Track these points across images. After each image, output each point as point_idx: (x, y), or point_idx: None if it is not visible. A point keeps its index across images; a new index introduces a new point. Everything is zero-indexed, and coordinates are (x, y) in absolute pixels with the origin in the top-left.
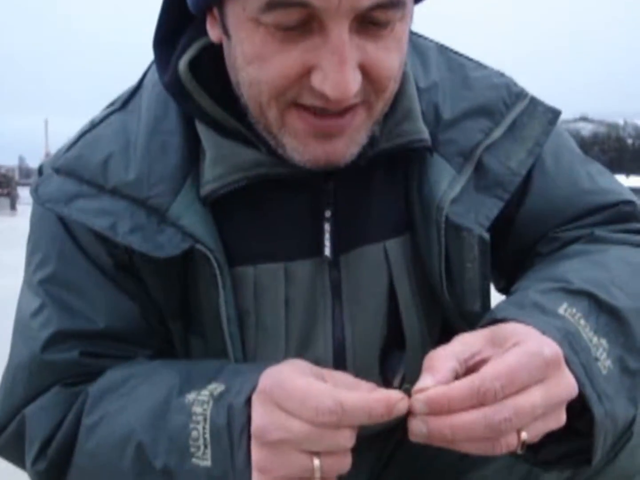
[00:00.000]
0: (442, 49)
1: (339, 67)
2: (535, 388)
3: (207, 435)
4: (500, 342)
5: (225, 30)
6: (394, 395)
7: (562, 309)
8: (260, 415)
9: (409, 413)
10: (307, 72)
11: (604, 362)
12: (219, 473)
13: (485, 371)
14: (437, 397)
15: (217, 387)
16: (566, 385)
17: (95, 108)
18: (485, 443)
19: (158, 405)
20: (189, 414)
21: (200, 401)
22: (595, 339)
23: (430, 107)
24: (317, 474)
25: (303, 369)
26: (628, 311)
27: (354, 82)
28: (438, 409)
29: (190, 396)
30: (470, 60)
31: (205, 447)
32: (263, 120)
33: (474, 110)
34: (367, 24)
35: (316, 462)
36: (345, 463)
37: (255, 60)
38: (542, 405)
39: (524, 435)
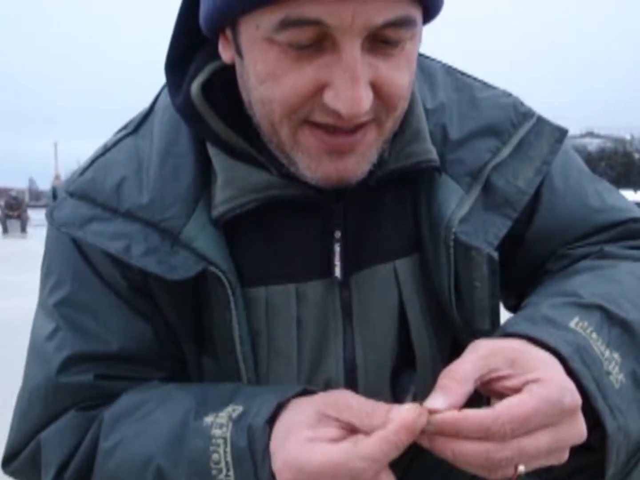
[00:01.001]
0: (449, 70)
1: (351, 84)
2: (543, 432)
3: (229, 458)
4: (521, 366)
5: (239, 50)
6: (409, 418)
7: (574, 322)
8: None
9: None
10: (319, 90)
11: (617, 376)
12: None
13: (500, 411)
14: (445, 424)
15: (235, 409)
16: (576, 432)
17: (104, 130)
18: (483, 470)
19: (175, 429)
20: (209, 437)
21: (219, 424)
22: (607, 353)
23: (438, 127)
24: None
25: (310, 431)
26: (639, 324)
27: (366, 99)
28: (445, 432)
29: (208, 419)
30: (477, 80)
31: (228, 469)
32: (275, 139)
33: (482, 130)
34: (379, 43)
35: None
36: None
37: (268, 79)
38: (547, 449)
39: (521, 468)
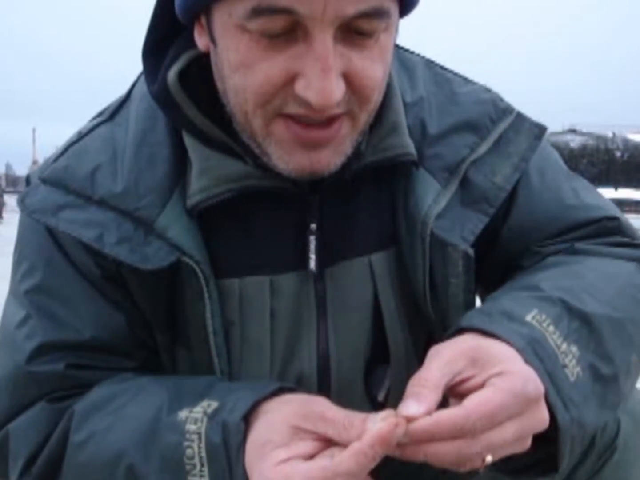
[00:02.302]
0: (429, 64)
1: (322, 75)
2: (510, 423)
3: (203, 454)
4: (482, 363)
5: (212, 38)
6: (385, 430)
7: (531, 315)
8: None
9: None
10: (291, 80)
11: (573, 369)
12: None
13: (470, 409)
14: (419, 431)
15: (210, 404)
16: (539, 419)
17: (84, 116)
18: (453, 465)
19: (148, 423)
20: (182, 432)
21: (194, 419)
22: (564, 346)
23: (417, 121)
24: None
25: (284, 452)
26: (599, 318)
27: (337, 89)
28: (419, 441)
29: (182, 414)
30: (457, 75)
31: (202, 465)
32: (248, 129)
33: (460, 125)
34: (352, 34)
35: None
36: None
37: (241, 68)
38: (513, 439)
39: (488, 459)
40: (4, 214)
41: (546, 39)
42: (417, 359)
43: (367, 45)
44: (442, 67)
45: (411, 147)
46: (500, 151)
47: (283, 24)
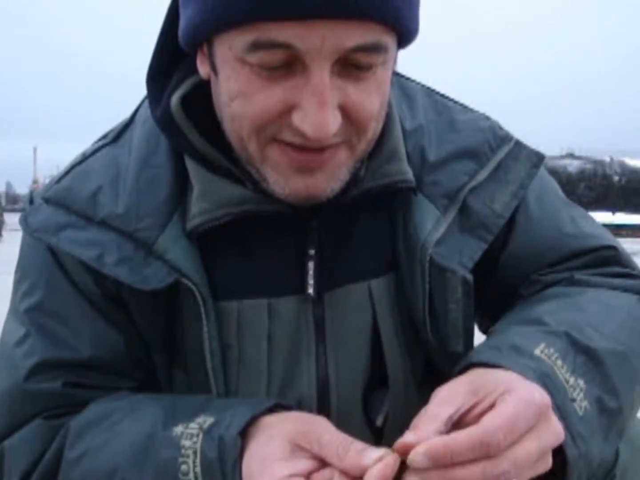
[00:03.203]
0: (429, 92)
1: (318, 108)
2: (528, 437)
3: (198, 469)
4: (482, 391)
5: (213, 67)
6: (386, 471)
7: (539, 350)
8: None
9: (402, 470)
10: (288, 111)
11: (581, 403)
12: None
13: (486, 422)
14: (437, 450)
15: (206, 420)
16: (555, 430)
17: (85, 135)
18: None
19: (142, 439)
20: (178, 448)
21: (189, 434)
22: (572, 380)
23: (416, 149)
24: None
25: (286, 467)
26: (604, 352)
27: (332, 123)
28: (441, 461)
29: (178, 429)
30: (456, 103)
31: None
32: (245, 154)
33: (460, 152)
34: (349, 67)
35: None
36: None
37: (239, 96)
38: (536, 455)
39: None
40: (4, 232)
41: (544, 65)
42: (416, 384)
43: (364, 77)
44: (441, 95)
45: (410, 174)
46: (499, 178)
47: (281, 58)
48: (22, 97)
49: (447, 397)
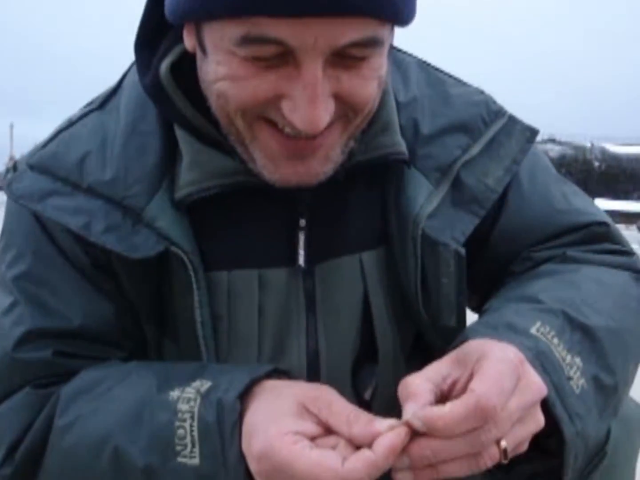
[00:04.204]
0: (423, 65)
1: (309, 103)
2: (510, 397)
3: (195, 433)
4: (464, 361)
5: (202, 47)
6: (397, 441)
7: (535, 328)
8: None
9: None
10: (278, 98)
11: (578, 381)
12: (208, 471)
13: (477, 389)
14: (435, 420)
15: (203, 384)
16: (535, 385)
17: (61, 112)
18: (469, 460)
19: (135, 404)
20: (174, 412)
21: (186, 398)
22: (568, 358)
23: (410, 121)
24: None
25: (293, 423)
26: (599, 329)
27: (324, 117)
28: (435, 428)
29: (174, 394)
30: (451, 76)
31: (193, 445)
32: (234, 131)
33: (453, 126)
34: (343, 57)
35: None
36: None
37: (228, 79)
38: (518, 409)
39: (503, 444)
40: None
41: (527, 50)
42: (404, 358)
43: (358, 65)
44: (435, 68)
45: (403, 146)
46: (492, 153)
47: (273, 52)
48: None
49: (435, 369)
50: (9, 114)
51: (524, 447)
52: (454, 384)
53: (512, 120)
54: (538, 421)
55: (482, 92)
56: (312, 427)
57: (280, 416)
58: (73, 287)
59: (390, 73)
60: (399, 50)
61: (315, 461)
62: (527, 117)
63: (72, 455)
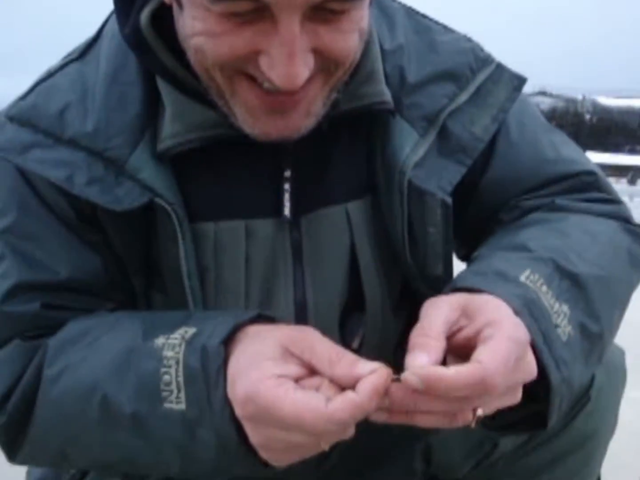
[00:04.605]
0: (410, 12)
1: (287, 59)
2: None
3: (181, 379)
4: (472, 314)
5: (178, 0)
6: (380, 383)
7: (524, 276)
8: (255, 435)
9: None
10: (256, 53)
11: (565, 329)
12: (194, 415)
13: (487, 363)
14: (435, 381)
15: (188, 331)
16: (528, 368)
17: (26, 71)
18: (443, 417)
19: (122, 352)
20: (160, 358)
21: (171, 345)
22: (556, 306)
23: (396, 69)
24: (325, 448)
25: (276, 366)
26: (587, 277)
27: (302, 73)
28: (433, 389)
29: (159, 340)
30: (438, 24)
31: (179, 390)
32: (213, 85)
33: (440, 74)
34: (322, 11)
35: (322, 443)
36: (350, 433)
37: (204, 35)
38: (503, 387)
39: (479, 412)
40: None
41: (520, 6)
42: (392, 308)
43: (337, 19)
44: (422, 15)
45: (387, 96)
46: (479, 102)
47: (247, 8)
48: None
49: (447, 312)
50: None
51: (517, 399)
52: (458, 330)
53: (500, 68)
54: (515, 398)
55: (469, 40)
56: (295, 369)
57: (264, 360)
58: (59, 239)
59: (376, 19)
60: None
61: (299, 402)
62: (517, 69)
63: (61, 404)
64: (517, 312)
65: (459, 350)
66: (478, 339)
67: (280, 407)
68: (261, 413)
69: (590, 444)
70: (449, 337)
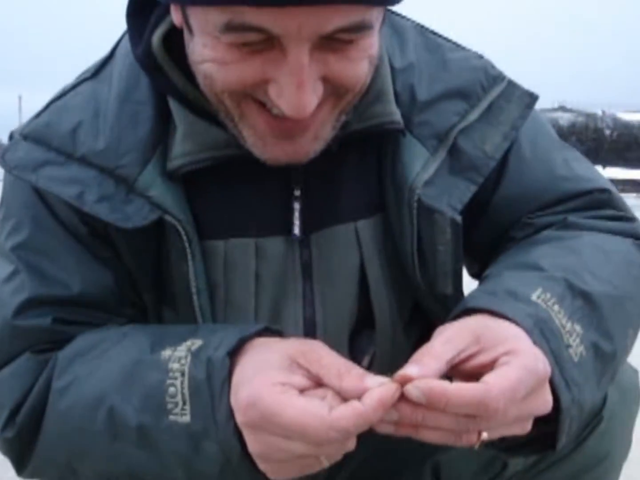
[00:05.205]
0: (420, 29)
1: (296, 89)
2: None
3: (186, 391)
4: (487, 341)
5: (188, 27)
6: (387, 396)
7: (536, 295)
8: (255, 444)
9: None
10: (264, 82)
11: (577, 349)
12: (199, 428)
13: (492, 384)
14: (436, 394)
15: (194, 343)
16: (543, 402)
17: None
18: (449, 434)
19: (129, 365)
20: (166, 370)
21: (177, 357)
22: (569, 325)
23: (406, 87)
24: (325, 464)
25: (282, 375)
26: (600, 296)
27: (311, 102)
28: (434, 404)
29: (166, 353)
30: (449, 41)
31: (184, 402)
32: (222, 108)
33: (451, 92)
34: (330, 41)
35: (322, 458)
36: (351, 447)
37: (214, 63)
38: (514, 416)
39: (484, 435)
40: None
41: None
42: (402, 326)
43: (346, 48)
44: (433, 33)
45: (397, 115)
46: (490, 119)
47: (256, 39)
48: (7, 46)
49: (451, 339)
50: (18, 86)
51: (526, 430)
52: (468, 358)
53: (511, 85)
54: (524, 429)
55: (481, 57)
56: (301, 380)
57: (269, 368)
58: (72, 255)
59: (387, 37)
60: (397, 14)
61: (302, 408)
62: (536, 86)
63: (69, 416)
64: (527, 332)
65: (471, 377)
66: (494, 366)
67: (282, 412)
68: (262, 419)
69: (603, 466)
70: (458, 364)
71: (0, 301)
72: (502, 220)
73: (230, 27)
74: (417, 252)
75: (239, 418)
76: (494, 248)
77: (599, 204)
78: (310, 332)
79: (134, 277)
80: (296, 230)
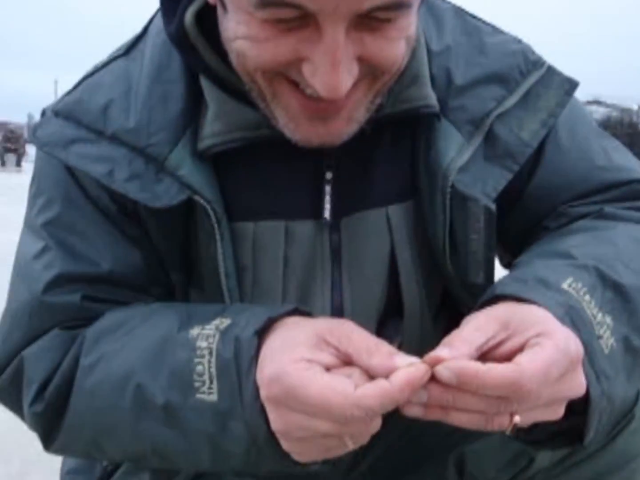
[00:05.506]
0: (459, 12)
1: (331, 68)
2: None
3: (213, 369)
4: (516, 326)
5: (222, 3)
6: (416, 376)
7: (567, 283)
8: (278, 420)
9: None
10: (299, 60)
11: (607, 341)
12: (226, 407)
13: (525, 365)
14: (469, 372)
15: (223, 322)
16: (577, 385)
17: None
18: (479, 417)
19: (157, 342)
20: (194, 349)
21: (205, 335)
22: (599, 316)
23: (442, 71)
24: (349, 446)
25: (308, 351)
26: (632, 288)
27: (346, 83)
28: (465, 385)
29: (194, 331)
30: (487, 24)
31: (211, 381)
32: (255, 88)
33: (488, 77)
34: (367, 19)
35: (347, 439)
36: (375, 427)
37: (248, 40)
38: (547, 399)
39: (517, 418)
40: (24, 164)
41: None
42: (431, 315)
43: (383, 27)
44: (472, 16)
45: (433, 99)
46: (528, 106)
47: (292, 15)
48: (43, 29)
49: (480, 327)
50: (54, 70)
51: (559, 414)
52: (497, 345)
53: (551, 71)
54: (557, 413)
55: (520, 41)
56: (328, 358)
57: (296, 345)
58: (101, 233)
59: (424, 19)
60: None
61: (327, 385)
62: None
63: (96, 393)
64: (559, 320)
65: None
66: (525, 348)
67: (306, 388)
68: (286, 394)
69: (633, 465)
70: (488, 351)
71: (31, 277)
72: (536, 210)
73: (265, 3)
74: (449, 240)
75: (263, 393)
76: (527, 238)
77: (637, 195)
78: (337, 317)
79: (163, 256)
80: (326, 214)
